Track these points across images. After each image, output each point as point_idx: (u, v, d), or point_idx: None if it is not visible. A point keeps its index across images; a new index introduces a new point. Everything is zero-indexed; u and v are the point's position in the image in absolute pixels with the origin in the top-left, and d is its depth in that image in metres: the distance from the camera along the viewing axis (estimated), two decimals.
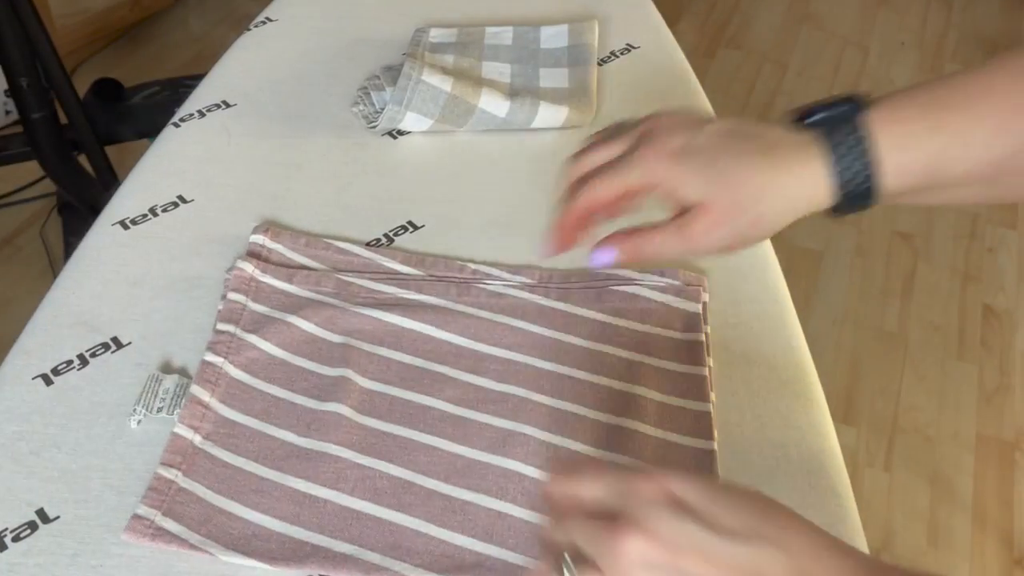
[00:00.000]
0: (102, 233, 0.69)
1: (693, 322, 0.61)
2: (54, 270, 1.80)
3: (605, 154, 0.50)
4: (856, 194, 0.46)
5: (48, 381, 0.58)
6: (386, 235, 0.69)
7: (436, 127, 0.78)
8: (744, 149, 0.47)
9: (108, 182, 1.60)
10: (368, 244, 0.68)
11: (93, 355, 0.60)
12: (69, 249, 1.74)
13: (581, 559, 0.37)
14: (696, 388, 0.58)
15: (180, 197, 0.72)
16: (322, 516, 0.51)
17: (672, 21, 0.99)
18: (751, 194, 0.46)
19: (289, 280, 0.64)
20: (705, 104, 0.84)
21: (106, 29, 2.43)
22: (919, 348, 1.73)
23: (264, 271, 0.64)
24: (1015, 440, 1.58)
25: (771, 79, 2.39)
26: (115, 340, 0.61)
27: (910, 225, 1.99)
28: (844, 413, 1.61)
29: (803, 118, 0.48)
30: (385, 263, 0.66)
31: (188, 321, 0.62)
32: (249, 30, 0.92)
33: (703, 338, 0.61)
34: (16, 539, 0.50)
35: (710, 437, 0.56)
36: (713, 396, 0.58)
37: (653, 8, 0.97)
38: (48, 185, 1.79)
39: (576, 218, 0.50)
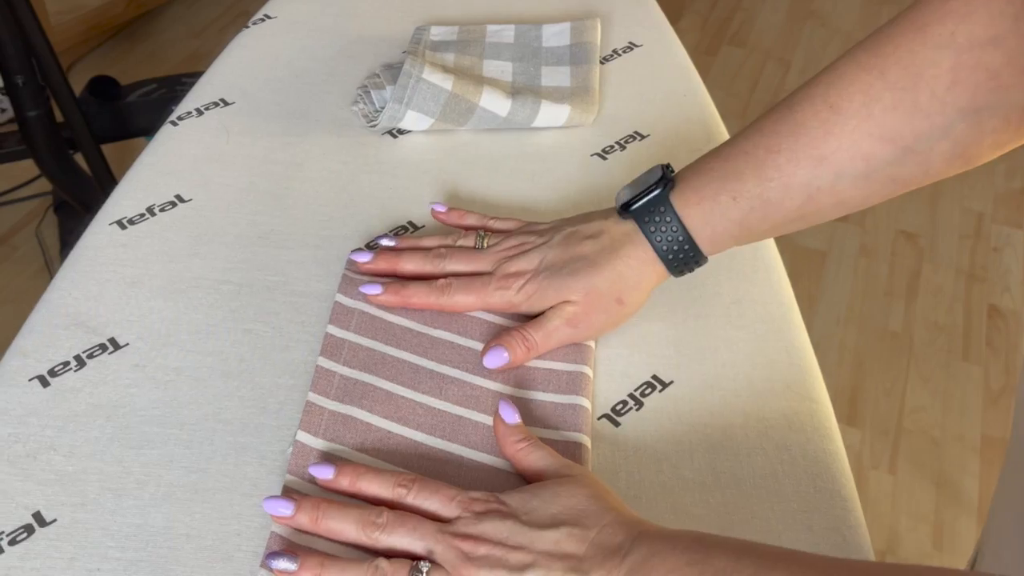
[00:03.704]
0: (99, 233, 0.68)
1: None
2: (50, 270, 1.80)
3: (463, 265, 0.61)
4: (685, 259, 0.57)
5: (45, 382, 0.57)
6: (387, 235, 0.69)
7: (437, 126, 0.77)
8: (587, 252, 0.58)
9: (105, 181, 1.59)
10: (368, 245, 0.68)
11: (90, 356, 0.59)
12: (65, 249, 1.73)
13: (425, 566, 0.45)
14: (581, 354, 0.60)
15: (178, 196, 0.71)
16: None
17: (675, 19, 0.99)
18: (607, 284, 0.57)
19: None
20: (708, 102, 0.83)
21: (102, 26, 2.43)
22: (924, 349, 1.72)
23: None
24: None
25: (774, 76, 2.38)
26: (112, 341, 0.60)
27: (915, 225, 1.98)
28: (849, 414, 1.60)
29: (626, 205, 0.58)
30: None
31: (186, 322, 0.61)
32: (248, 27, 0.92)
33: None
34: (12, 543, 0.49)
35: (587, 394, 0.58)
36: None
37: (655, 6, 0.97)
38: (44, 184, 1.78)
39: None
